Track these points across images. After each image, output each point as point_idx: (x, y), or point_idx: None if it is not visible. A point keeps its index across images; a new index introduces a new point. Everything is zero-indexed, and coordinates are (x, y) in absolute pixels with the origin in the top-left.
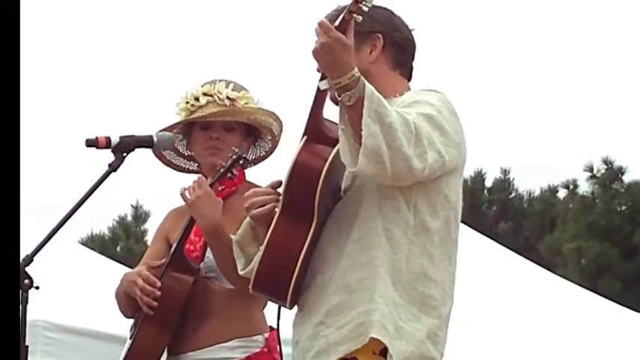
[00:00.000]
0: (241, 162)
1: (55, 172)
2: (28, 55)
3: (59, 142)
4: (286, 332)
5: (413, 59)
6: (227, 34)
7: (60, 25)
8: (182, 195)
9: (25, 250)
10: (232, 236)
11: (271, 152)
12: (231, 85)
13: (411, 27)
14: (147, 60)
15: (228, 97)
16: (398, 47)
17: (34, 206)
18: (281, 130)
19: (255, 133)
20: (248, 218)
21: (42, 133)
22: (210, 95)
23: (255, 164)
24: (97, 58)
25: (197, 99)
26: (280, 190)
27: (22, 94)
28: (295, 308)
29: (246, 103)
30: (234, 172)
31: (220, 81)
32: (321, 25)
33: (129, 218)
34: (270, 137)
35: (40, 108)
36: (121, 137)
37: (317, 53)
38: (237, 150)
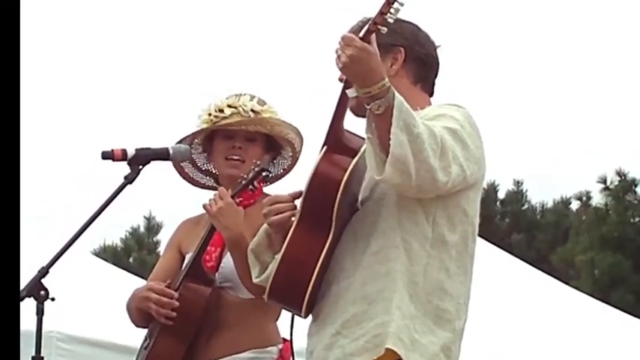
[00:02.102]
0: (263, 174)
1: (55, 171)
2: (30, 58)
3: (58, 141)
4: (299, 344)
5: (436, 75)
6: (242, 45)
7: (70, 32)
8: (205, 207)
9: (23, 253)
10: None
11: (290, 169)
12: (255, 99)
13: (437, 43)
14: (157, 70)
15: (252, 110)
16: (420, 62)
17: (33, 206)
18: (302, 147)
19: (274, 148)
20: (265, 226)
21: (41, 134)
22: (235, 107)
23: (273, 182)
24: (101, 64)
25: (221, 110)
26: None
27: (24, 96)
28: (309, 319)
29: (269, 116)
30: (256, 184)
31: (245, 94)
32: (343, 38)
33: (141, 229)
34: (290, 153)
35: (39, 109)
36: (137, 150)
37: (346, 67)
38: (259, 162)
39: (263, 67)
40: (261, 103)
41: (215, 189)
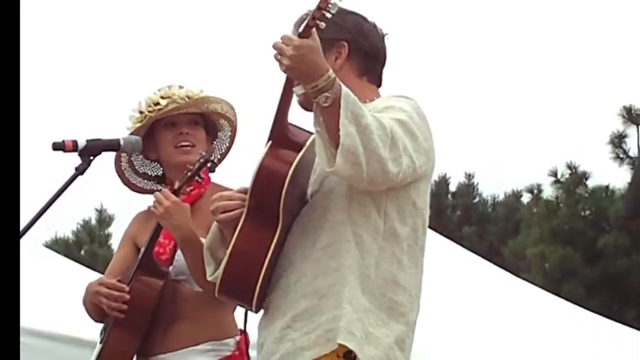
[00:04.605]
0: (209, 165)
1: (55, 170)
2: (31, 59)
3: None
4: (253, 336)
5: (383, 66)
6: (190, 42)
7: (68, 32)
8: (150, 210)
9: None
10: (203, 240)
11: (232, 144)
12: (184, 88)
13: (384, 32)
14: (113, 64)
15: (186, 96)
16: (364, 55)
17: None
18: (236, 119)
19: (212, 130)
20: (215, 222)
21: (41, 133)
22: (169, 97)
23: (220, 162)
24: (64, 60)
25: (157, 103)
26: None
27: (25, 96)
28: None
29: (205, 96)
30: (202, 175)
31: (173, 85)
32: (282, 38)
33: (93, 222)
34: (230, 133)
35: (39, 109)
36: (87, 141)
37: (289, 68)
38: (204, 153)
39: (226, 72)
40: (190, 90)
41: (151, 192)
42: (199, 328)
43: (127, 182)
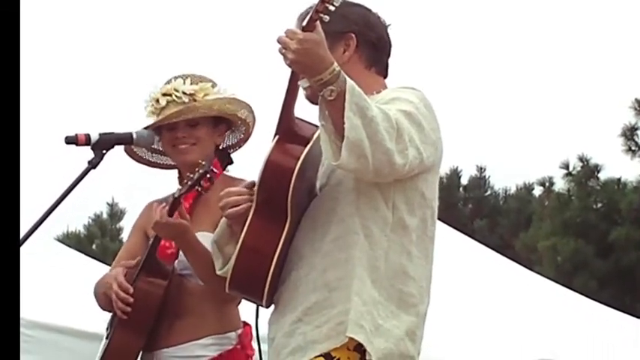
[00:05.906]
0: (208, 176)
1: (56, 170)
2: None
3: (58, 140)
4: (265, 329)
5: (389, 56)
6: (203, 30)
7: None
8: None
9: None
10: (201, 234)
11: (249, 133)
12: (188, 80)
13: (388, 23)
14: (126, 56)
15: (185, 93)
16: (372, 46)
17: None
18: (251, 112)
19: (225, 120)
20: (224, 217)
21: (41, 132)
22: (169, 95)
23: (239, 147)
24: (76, 53)
25: (158, 101)
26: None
27: (25, 95)
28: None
29: (205, 95)
30: (203, 184)
31: (177, 78)
32: (286, 32)
33: (104, 216)
34: (239, 122)
35: (39, 108)
36: (100, 134)
37: (294, 62)
38: (203, 163)
39: (239, 60)
40: (195, 81)
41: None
42: (203, 322)
43: (155, 165)
